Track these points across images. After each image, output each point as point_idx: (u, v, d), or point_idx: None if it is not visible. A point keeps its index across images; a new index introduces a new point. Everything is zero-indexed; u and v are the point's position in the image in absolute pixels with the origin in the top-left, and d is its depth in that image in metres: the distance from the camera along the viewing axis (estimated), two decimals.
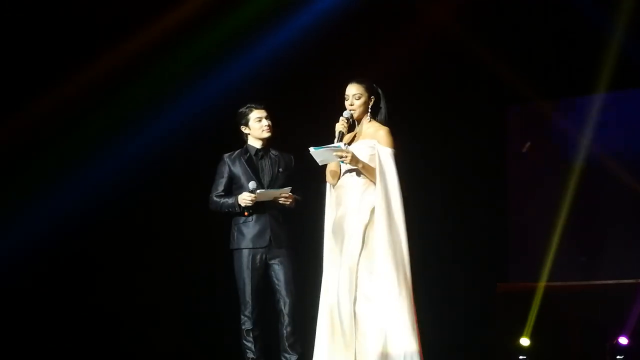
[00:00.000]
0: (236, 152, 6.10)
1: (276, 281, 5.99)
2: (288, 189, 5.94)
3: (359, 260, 5.29)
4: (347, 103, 5.48)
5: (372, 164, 5.37)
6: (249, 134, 6.10)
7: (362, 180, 5.40)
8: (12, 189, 7.11)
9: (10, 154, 7.12)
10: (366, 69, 6.60)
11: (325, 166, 5.52)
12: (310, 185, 5.99)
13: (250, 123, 6.06)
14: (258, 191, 5.90)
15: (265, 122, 6.04)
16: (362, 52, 7.75)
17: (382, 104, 5.53)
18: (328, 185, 5.58)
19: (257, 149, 6.08)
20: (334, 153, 5.31)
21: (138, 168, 7.31)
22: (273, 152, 6.11)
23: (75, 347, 7.32)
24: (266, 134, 6.05)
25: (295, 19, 7.60)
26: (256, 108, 6.05)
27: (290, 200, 5.95)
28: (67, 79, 7.19)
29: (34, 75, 7.13)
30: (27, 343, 7.15)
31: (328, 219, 5.53)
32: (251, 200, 5.89)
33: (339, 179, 5.50)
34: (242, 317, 5.98)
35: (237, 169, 6.04)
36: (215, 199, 6.06)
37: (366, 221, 5.32)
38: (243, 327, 5.98)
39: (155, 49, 7.36)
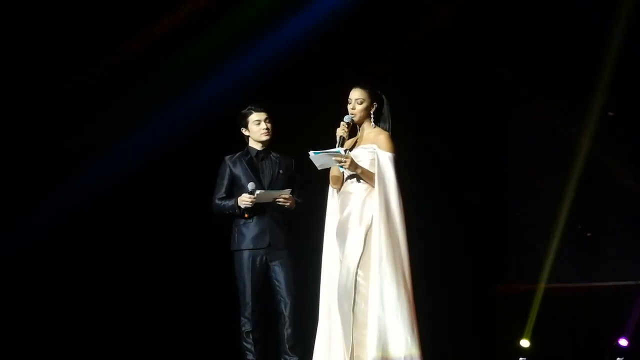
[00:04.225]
0: (237, 154, 6.08)
1: (276, 282, 5.98)
2: (288, 190, 5.92)
3: (358, 263, 5.29)
4: (349, 107, 5.47)
5: (372, 169, 5.36)
6: (248, 136, 6.08)
7: (364, 185, 5.39)
8: (12, 188, 7.11)
9: (11, 153, 7.12)
10: (366, 70, 6.60)
11: (328, 170, 5.50)
12: (311, 187, 5.97)
13: (250, 125, 6.04)
14: (257, 192, 5.88)
15: (263, 125, 6.00)
16: (362, 52, 7.74)
17: (386, 111, 5.51)
18: (330, 189, 5.57)
19: (258, 150, 6.06)
20: (333, 158, 5.30)
21: (139, 168, 7.30)
22: (274, 154, 6.09)
23: (75, 347, 7.31)
24: (264, 137, 6.02)
25: (295, 20, 7.58)
26: (255, 110, 6.01)
27: (290, 201, 5.93)
28: (68, 79, 7.19)
29: (34, 75, 7.13)
30: (26, 343, 7.14)
31: (329, 223, 5.53)
32: (250, 202, 5.87)
33: (342, 184, 5.50)
34: (242, 318, 5.96)
35: (238, 171, 6.02)
36: (217, 201, 6.04)
37: (367, 226, 5.31)
38: (243, 329, 5.96)
39: (156, 49, 7.35)
